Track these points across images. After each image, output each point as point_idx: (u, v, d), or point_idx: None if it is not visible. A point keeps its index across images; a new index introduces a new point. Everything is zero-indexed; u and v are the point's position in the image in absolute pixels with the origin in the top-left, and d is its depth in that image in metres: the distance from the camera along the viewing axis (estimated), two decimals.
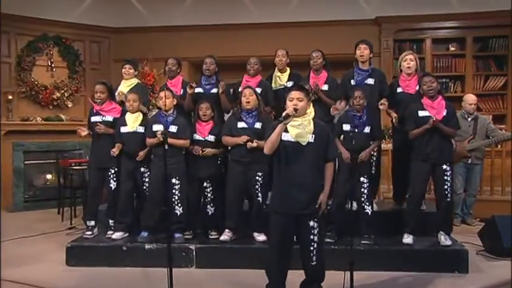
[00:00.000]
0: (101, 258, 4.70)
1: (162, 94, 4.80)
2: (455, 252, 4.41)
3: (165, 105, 4.66)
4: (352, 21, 7.81)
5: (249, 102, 4.65)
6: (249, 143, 4.57)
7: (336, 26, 7.84)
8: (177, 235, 4.77)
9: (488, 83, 7.63)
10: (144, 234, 4.79)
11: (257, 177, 4.68)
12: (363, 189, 4.61)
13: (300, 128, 3.30)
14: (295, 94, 3.32)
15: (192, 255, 4.63)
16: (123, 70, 5.45)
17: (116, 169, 5.00)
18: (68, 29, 8.06)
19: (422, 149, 4.46)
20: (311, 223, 3.34)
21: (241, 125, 4.69)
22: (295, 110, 3.23)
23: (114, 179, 5.00)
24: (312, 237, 3.35)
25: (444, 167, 4.45)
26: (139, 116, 4.97)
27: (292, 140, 3.30)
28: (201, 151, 4.77)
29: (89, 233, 5.02)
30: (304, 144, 3.30)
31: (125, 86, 5.40)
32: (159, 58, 7.87)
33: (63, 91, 7.98)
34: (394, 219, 4.88)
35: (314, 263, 3.41)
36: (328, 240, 4.42)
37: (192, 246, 4.66)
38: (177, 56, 7.67)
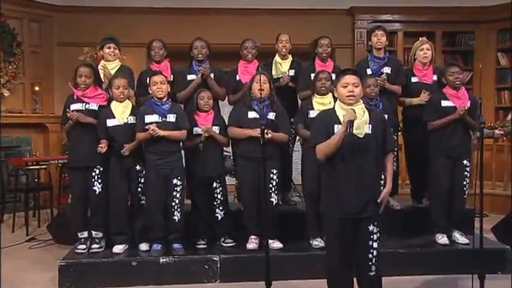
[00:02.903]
0: (104, 277, 3.92)
1: (156, 79, 4.07)
2: (498, 251, 4.23)
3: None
4: (326, 11, 7.48)
5: (263, 89, 4.07)
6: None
7: (308, 15, 7.44)
8: (176, 246, 4.10)
9: None
10: (157, 247, 4.07)
11: (271, 175, 4.17)
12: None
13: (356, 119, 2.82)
14: (349, 79, 2.85)
15: (216, 268, 4.00)
16: (107, 50, 4.57)
17: (102, 169, 4.16)
18: (1, 3, 6.77)
19: (445, 142, 4.22)
20: (370, 227, 2.88)
21: (252, 114, 4.14)
22: (354, 111, 2.77)
23: (99, 180, 4.15)
24: (371, 243, 2.89)
25: (465, 162, 4.27)
26: (128, 105, 4.19)
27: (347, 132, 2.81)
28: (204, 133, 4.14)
29: (83, 246, 4.15)
30: (361, 136, 2.82)
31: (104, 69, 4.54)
32: None
33: None
34: (417, 217, 4.65)
35: (373, 273, 2.93)
36: None
37: (216, 258, 4.02)
38: (132, 41, 7.00)
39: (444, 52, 7.70)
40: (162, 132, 3.96)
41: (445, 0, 7.34)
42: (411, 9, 7.51)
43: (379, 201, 2.88)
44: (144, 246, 4.16)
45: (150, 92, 4.15)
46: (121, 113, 4.13)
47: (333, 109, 2.95)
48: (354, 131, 2.79)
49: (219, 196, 4.30)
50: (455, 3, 7.37)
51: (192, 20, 7.34)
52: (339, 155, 2.81)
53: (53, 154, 6.86)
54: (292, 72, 4.82)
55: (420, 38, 7.41)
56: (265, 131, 3.77)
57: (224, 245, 4.29)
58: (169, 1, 7.36)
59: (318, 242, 4.20)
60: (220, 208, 4.31)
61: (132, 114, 4.15)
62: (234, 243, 4.29)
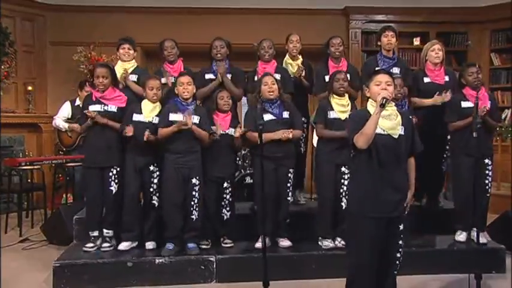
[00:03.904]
0: (100, 278, 3.89)
1: (183, 79, 4.09)
2: (493, 251, 4.24)
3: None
4: (320, 11, 7.49)
5: (272, 91, 4.12)
6: (285, 134, 4.07)
7: (303, 15, 7.44)
8: (190, 245, 4.09)
9: None
10: (170, 246, 4.06)
11: (289, 174, 4.19)
12: None
13: (390, 119, 2.88)
14: (383, 77, 2.90)
15: (212, 268, 3.99)
16: (121, 51, 4.57)
17: (118, 169, 4.15)
18: None
19: (466, 142, 4.21)
20: (401, 227, 2.95)
21: (268, 117, 4.14)
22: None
23: (116, 180, 4.14)
24: (400, 242, 2.96)
25: (486, 161, 4.27)
26: (157, 106, 4.20)
27: (383, 132, 2.86)
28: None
29: (91, 245, 4.15)
30: (396, 137, 2.89)
31: (123, 70, 4.51)
32: (108, 43, 6.96)
33: None
34: (416, 217, 4.56)
35: (396, 271, 3.01)
36: None
37: (212, 258, 4.01)
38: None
39: None
40: (194, 128, 3.98)
41: (438, 0, 7.37)
42: (405, 10, 7.53)
43: (405, 204, 2.96)
44: (150, 245, 4.17)
45: (176, 92, 4.15)
46: (149, 111, 4.15)
47: (365, 109, 2.98)
48: (390, 131, 2.85)
49: (227, 197, 4.29)
50: (449, 3, 7.42)
51: (186, 20, 7.35)
52: (375, 154, 2.85)
53: (46, 154, 6.80)
54: (303, 73, 4.80)
55: (414, 39, 7.58)
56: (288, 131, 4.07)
57: (224, 245, 4.27)
58: (162, 1, 7.32)
59: (328, 243, 4.20)
60: (227, 209, 4.30)
61: (158, 115, 4.16)
62: (232, 244, 4.27)
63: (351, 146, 2.89)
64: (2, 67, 6.77)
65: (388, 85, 2.88)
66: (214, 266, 3.98)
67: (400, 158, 2.92)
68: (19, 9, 7.04)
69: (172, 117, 4.05)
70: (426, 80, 4.63)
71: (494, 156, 6.38)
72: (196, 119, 4.08)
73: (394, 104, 2.97)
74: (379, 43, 4.76)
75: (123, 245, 4.11)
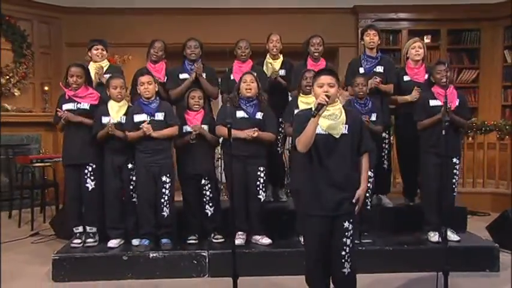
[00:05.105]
0: (96, 270, 4.03)
1: (143, 79, 4.19)
2: (486, 249, 4.23)
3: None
4: (329, 9, 7.53)
5: (250, 89, 4.20)
6: (249, 133, 4.11)
7: (312, 14, 7.51)
8: (164, 241, 4.21)
9: (461, 76, 7.67)
10: (145, 242, 4.18)
11: (258, 173, 4.25)
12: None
13: (331, 119, 2.85)
14: (325, 79, 2.86)
15: (204, 263, 4.10)
16: (95, 52, 4.75)
17: (94, 166, 4.28)
18: (12, 6, 6.98)
19: (433, 141, 4.21)
20: (345, 224, 2.89)
21: (240, 114, 4.21)
22: (328, 97, 2.77)
23: (92, 177, 4.27)
24: (344, 240, 2.89)
25: (454, 160, 4.26)
26: (124, 105, 4.32)
27: (323, 132, 2.85)
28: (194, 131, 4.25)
29: (78, 241, 4.30)
30: (337, 136, 2.86)
31: (97, 69, 4.71)
32: (120, 43, 7.16)
33: (8, 77, 6.95)
34: (409, 215, 4.70)
35: (346, 270, 2.91)
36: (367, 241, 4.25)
37: (205, 253, 4.12)
38: (138, 41, 7.12)
39: (449, 50, 7.66)
40: (154, 134, 4.08)
41: None
42: (416, 7, 7.49)
43: (354, 201, 2.91)
44: (136, 242, 4.28)
45: (138, 91, 4.26)
46: (116, 112, 4.26)
47: (310, 109, 2.95)
48: (330, 131, 2.84)
49: (207, 193, 4.39)
50: (460, 0, 7.33)
51: (199, 20, 7.45)
52: (315, 154, 2.85)
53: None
54: (282, 72, 4.89)
55: (425, 37, 7.51)
56: (253, 130, 4.08)
57: (214, 241, 4.38)
58: (175, 2, 7.47)
59: None
60: (210, 205, 4.40)
61: (126, 114, 4.27)
62: (223, 239, 4.37)
63: (293, 146, 2.89)
64: (20, 68, 7.07)
65: (331, 86, 2.83)
66: (207, 260, 4.09)
67: (343, 157, 2.87)
68: (36, 13, 7.32)
69: (137, 118, 4.15)
70: (406, 78, 4.68)
71: (494, 154, 6.39)
72: (160, 115, 4.18)
73: (338, 101, 2.92)
74: (362, 42, 4.82)
75: (112, 243, 4.23)
